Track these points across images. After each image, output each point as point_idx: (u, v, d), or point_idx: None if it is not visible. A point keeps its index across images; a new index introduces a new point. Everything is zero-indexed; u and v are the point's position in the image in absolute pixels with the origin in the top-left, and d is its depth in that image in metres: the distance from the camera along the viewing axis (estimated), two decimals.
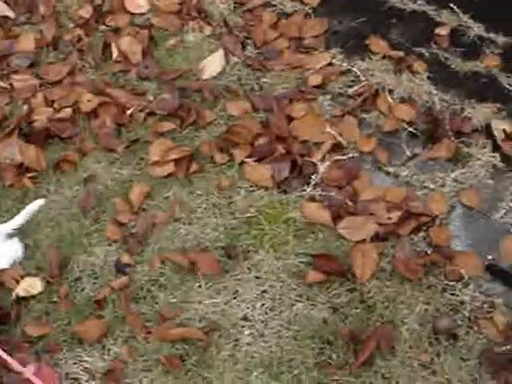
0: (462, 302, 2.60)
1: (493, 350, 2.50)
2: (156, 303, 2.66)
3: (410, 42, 3.47)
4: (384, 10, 3.63)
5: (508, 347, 2.49)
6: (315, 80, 3.30)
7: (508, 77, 3.29)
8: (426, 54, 3.41)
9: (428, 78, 3.29)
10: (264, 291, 2.66)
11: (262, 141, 3.06)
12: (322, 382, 2.43)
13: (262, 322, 2.59)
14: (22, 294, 2.67)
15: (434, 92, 3.22)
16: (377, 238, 2.75)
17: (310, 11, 3.67)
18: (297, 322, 2.57)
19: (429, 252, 2.72)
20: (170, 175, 3.02)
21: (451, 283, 2.64)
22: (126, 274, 2.74)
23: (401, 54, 3.38)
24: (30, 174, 3.04)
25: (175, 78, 3.39)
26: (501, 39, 3.44)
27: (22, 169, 3.05)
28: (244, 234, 2.80)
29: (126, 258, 2.78)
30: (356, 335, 2.50)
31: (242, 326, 2.58)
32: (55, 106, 3.29)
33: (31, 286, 2.69)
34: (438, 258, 2.68)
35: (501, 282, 2.65)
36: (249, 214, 2.85)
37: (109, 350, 2.55)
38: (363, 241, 2.73)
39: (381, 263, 2.69)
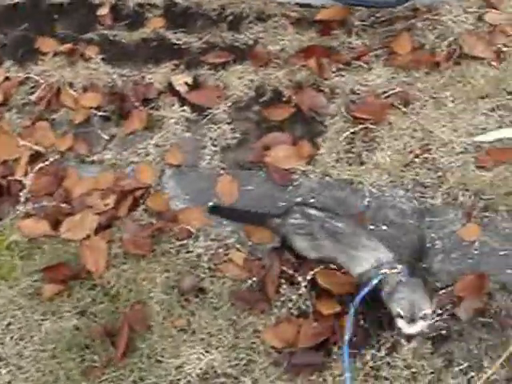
0: (199, 255, 2.46)
1: (240, 288, 2.37)
2: None
3: (77, 31, 3.23)
4: (44, 10, 3.35)
5: (254, 279, 2.37)
6: None
7: (175, 33, 3.15)
8: (95, 38, 3.19)
9: (102, 59, 3.09)
10: (9, 324, 2.39)
11: None
12: None
13: (16, 354, 2.32)
14: None
15: (112, 71, 3.03)
16: (101, 228, 2.54)
17: None
18: (49, 340, 2.33)
19: (153, 222, 2.53)
20: None
21: (183, 242, 2.49)
22: None
23: (70, 45, 3.14)
24: None
25: None
26: (159, 0, 3.26)
27: None
28: None
29: None
30: (110, 329, 2.31)
31: None
32: None
33: None
34: (163, 224, 2.52)
35: (227, 219, 2.51)
36: None
37: None
38: (88, 236, 2.50)
39: (112, 250, 2.48)
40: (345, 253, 2.23)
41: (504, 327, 2.22)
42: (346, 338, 2.13)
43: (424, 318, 2.07)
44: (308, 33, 3.07)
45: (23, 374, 2.27)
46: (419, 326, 2.08)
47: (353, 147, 2.67)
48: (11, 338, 2.35)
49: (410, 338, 2.18)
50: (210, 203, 2.57)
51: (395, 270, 2.16)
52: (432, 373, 2.15)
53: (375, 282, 2.15)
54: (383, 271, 2.15)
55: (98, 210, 2.57)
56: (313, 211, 2.31)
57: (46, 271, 2.43)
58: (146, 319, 2.32)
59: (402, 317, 2.07)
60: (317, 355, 2.22)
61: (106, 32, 3.21)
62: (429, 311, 2.08)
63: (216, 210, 2.53)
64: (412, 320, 2.06)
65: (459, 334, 2.22)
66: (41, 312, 2.38)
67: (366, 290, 2.16)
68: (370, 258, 2.18)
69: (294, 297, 2.33)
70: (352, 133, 2.70)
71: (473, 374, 2.14)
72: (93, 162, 2.76)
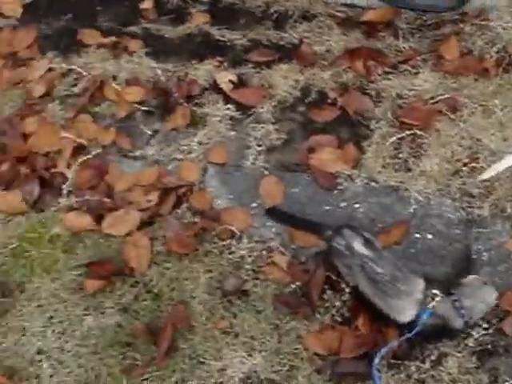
0: (242, 257, 2.41)
1: (283, 292, 2.33)
2: None
3: (120, 24, 3.19)
4: (87, 1, 3.33)
5: (297, 283, 2.33)
6: (40, 90, 2.96)
7: (219, 29, 3.10)
8: (139, 32, 3.15)
9: (146, 53, 3.05)
10: (51, 317, 2.35)
11: (3, 167, 2.71)
12: None
13: (58, 348, 2.29)
14: None
15: (156, 65, 2.98)
16: (143, 224, 2.50)
17: (15, 23, 3.28)
18: (91, 335, 2.30)
19: (196, 221, 2.49)
20: None
21: (226, 243, 2.45)
22: None
23: (114, 38, 3.10)
24: None
25: None
26: None
27: None
28: (13, 268, 2.47)
29: None
30: (152, 328, 2.27)
31: (39, 361, 2.27)
32: None
33: None
34: (206, 223, 2.48)
35: (282, 222, 2.47)
36: (12, 246, 2.51)
37: None
38: (131, 232, 2.47)
39: (155, 248, 2.45)
40: (383, 299, 2.17)
41: None
42: (376, 361, 2.10)
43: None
44: (354, 34, 3.02)
45: (65, 369, 2.24)
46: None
47: (399, 153, 2.62)
48: (53, 331, 2.32)
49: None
50: (254, 204, 2.53)
51: (438, 299, 2.14)
52: None
53: (424, 320, 2.13)
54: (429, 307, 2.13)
55: (140, 206, 2.53)
56: (357, 245, 2.22)
57: (90, 266, 2.39)
58: (188, 319, 2.28)
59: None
60: (360, 364, 2.17)
61: (149, 26, 3.17)
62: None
63: (273, 213, 2.48)
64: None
65: (505, 350, 2.17)
66: (83, 307, 2.35)
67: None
68: (412, 307, 2.14)
69: (337, 303, 2.28)
70: (399, 138, 2.64)
71: None
72: (135, 158, 2.71)
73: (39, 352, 2.29)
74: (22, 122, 2.85)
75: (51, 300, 2.38)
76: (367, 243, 2.23)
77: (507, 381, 2.11)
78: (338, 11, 3.12)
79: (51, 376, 2.24)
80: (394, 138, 2.64)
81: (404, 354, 2.18)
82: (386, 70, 2.87)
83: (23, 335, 2.33)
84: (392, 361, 2.16)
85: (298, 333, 2.25)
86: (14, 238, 2.53)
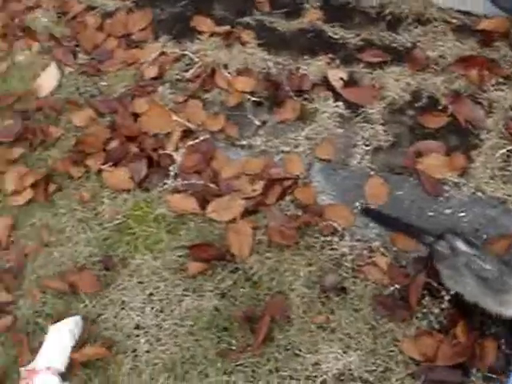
0: (343, 255, 2.41)
1: (382, 293, 2.32)
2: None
3: (234, 14, 3.22)
4: None
5: (396, 286, 2.31)
6: (152, 72, 3.03)
7: (332, 26, 3.10)
8: (252, 23, 3.17)
9: (258, 45, 3.07)
10: (150, 294, 2.41)
11: (113, 145, 2.79)
12: (227, 371, 2.22)
13: (156, 325, 2.34)
14: None
15: (267, 57, 3.00)
16: (247, 213, 2.53)
17: (131, 6, 3.36)
18: (189, 316, 2.34)
19: (299, 214, 2.50)
20: (30, 201, 2.72)
21: (328, 238, 2.45)
22: (9, 313, 2.43)
23: (227, 27, 3.13)
24: None
25: (14, 102, 3.05)
26: None
27: None
28: (117, 243, 2.54)
29: (4, 297, 2.48)
30: (249, 315, 2.29)
31: (137, 335, 2.33)
32: None
33: None
34: (308, 217, 2.48)
35: (377, 222, 2.46)
36: (117, 221, 2.58)
37: None
38: (234, 219, 2.51)
39: (256, 237, 2.47)
40: (491, 297, 2.13)
41: None
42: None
43: None
44: (468, 41, 2.97)
45: (161, 346, 2.29)
46: None
47: (508, 165, 2.58)
48: (152, 308, 2.37)
49: None
50: (357, 203, 2.52)
51: None
52: None
53: None
54: None
55: (245, 194, 2.56)
56: (460, 244, 2.20)
57: (193, 248, 2.43)
58: (285, 310, 2.30)
59: None
60: (456, 374, 2.15)
61: (263, 18, 3.19)
62: None
63: (371, 214, 2.48)
64: None
65: None
66: (183, 287, 2.39)
67: None
68: None
69: (436, 310, 2.26)
70: (508, 150, 2.60)
71: None
72: (242, 147, 2.74)
73: (137, 327, 2.35)
74: (132, 102, 2.91)
75: (152, 278, 2.43)
76: (470, 243, 2.21)
77: None
78: (453, 17, 3.08)
79: (147, 351, 2.29)
80: (503, 150, 2.60)
81: (500, 368, 2.14)
82: (499, 80, 2.82)
83: (123, 309, 2.38)
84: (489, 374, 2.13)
85: (394, 336, 2.24)
86: (119, 213, 2.59)
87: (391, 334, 2.24)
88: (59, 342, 2.28)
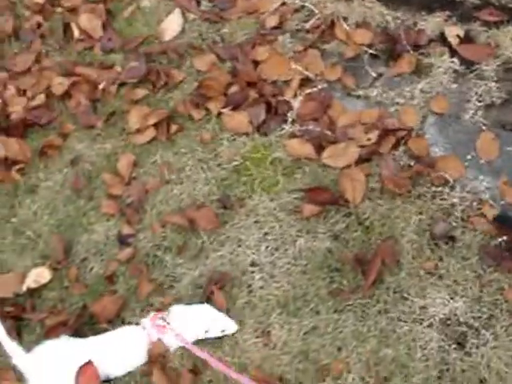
0: (453, 205, 2.48)
1: (490, 243, 2.38)
2: (165, 266, 2.52)
3: None
4: None
5: (504, 238, 2.37)
6: (272, 21, 3.10)
7: None
8: None
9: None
10: (266, 233, 2.52)
11: (233, 89, 2.89)
12: (338, 309, 2.33)
13: (270, 263, 2.46)
14: (32, 285, 2.52)
15: (386, 12, 3.03)
16: (361, 160, 2.61)
17: None
18: (302, 256, 2.45)
19: (412, 164, 2.57)
20: (152, 140, 2.85)
21: (439, 189, 2.52)
22: (130, 245, 2.59)
23: None
24: (17, 167, 2.86)
25: (139, 45, 3.19)
26: None
27: (7, 163, 2.87)
28: (235, 183, 2.66)
29: (126, 229, 2.63)
30: (361, 257, 2.39)
31: (252, 272, 2.46)
32: (28, 94, 3.09)
33: (40, 275, 2.54)
34: (421, 167, 2.55)
35: None
36: (235, 163, 2.70)
37: (129, 323, 2.40)
38: (349, 166, 2.60)
39: (369, 184, 2.56)
40: None
41: None
42: None
43: None
44: None
45: (275, 283, 2.41)
46: None
47: None
48: (266, 247, 2.49)
49: None
50: (468, 156, 2.58)
51: None
52: None
53: None
54: None
55: (360, 142, 2.63)
56: None
57: (309, 191, 2.54)
58: (396, 255, 2.39)
59: None
60: None
61: None
62: None
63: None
64: None
65: None
66: (297, 228, 2.50)
67: None
68: None
69: None
70: None
71: None
72: (358, 97, 2.81)
73: (252, 264, 2.47)
74: (253, 50, 3.00)
75: (268, 218, 2.54)
76: None
77: None
78: None
79: (261, 287, 2.41)
80: None
81: None
82: None
83: (239, 246, 2.51)
84: None
85: (499, 285, 2.31)
86: (237, 155, 2.71)
87: (497, 284, 2.31)
88: (197, 321, 2.30)
